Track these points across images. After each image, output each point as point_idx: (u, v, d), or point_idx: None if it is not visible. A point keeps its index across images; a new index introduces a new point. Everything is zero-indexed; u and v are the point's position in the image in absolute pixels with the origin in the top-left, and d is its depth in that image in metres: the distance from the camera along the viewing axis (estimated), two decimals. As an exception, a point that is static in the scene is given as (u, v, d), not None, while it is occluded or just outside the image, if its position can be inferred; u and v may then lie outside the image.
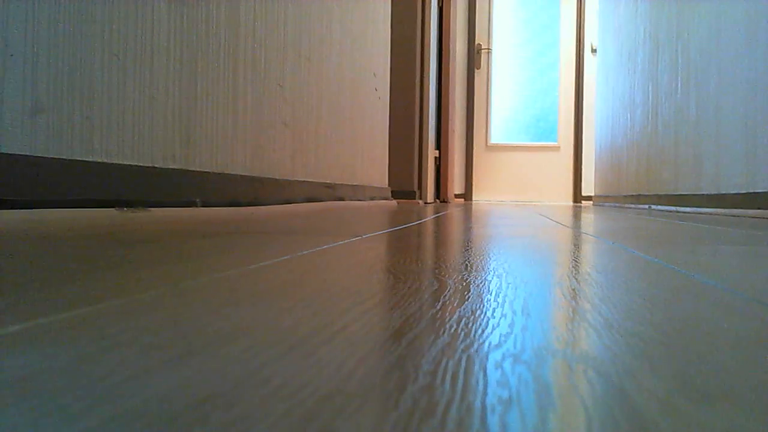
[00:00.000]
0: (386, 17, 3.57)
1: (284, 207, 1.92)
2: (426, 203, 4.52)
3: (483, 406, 0.23)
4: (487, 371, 0.27)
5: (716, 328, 0.37)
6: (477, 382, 0.26)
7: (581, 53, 6.69)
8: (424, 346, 0.32)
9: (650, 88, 4.28)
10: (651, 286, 0.54)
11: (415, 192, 4.25)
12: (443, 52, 5.40)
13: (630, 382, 0.26)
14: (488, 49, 6.80)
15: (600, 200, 5.82)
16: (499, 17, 6.82)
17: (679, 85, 3.67)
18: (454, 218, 2.01)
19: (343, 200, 2.65)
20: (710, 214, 3.02)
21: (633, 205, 4.60)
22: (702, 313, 0.42)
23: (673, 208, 3.65)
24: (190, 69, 1.45)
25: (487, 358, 0.30)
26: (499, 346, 0.32)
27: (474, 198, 6.85)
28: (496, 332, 0.36)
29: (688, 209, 3.40)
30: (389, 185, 4.03)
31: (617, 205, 5.09)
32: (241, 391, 0.24)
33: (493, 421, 0.22)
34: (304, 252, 0.78)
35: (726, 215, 2.82)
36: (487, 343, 0.33)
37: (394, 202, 3.56)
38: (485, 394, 0.24)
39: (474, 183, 6.84)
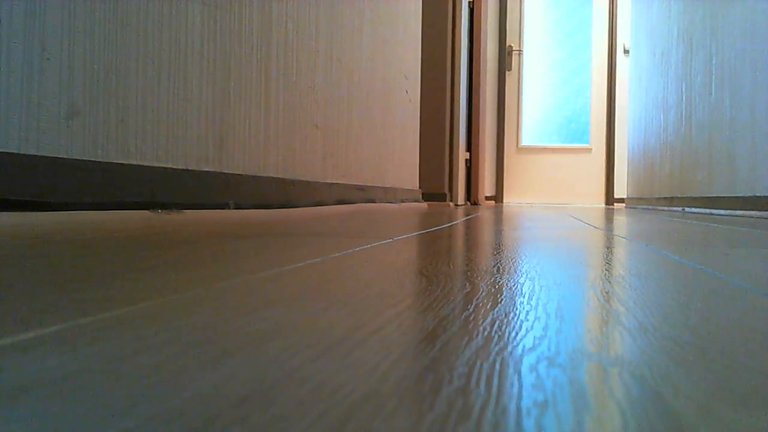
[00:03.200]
0: (417, 19, 3.57)
1: (315, 209, 1.93)
2: (457, 205, 4.51)
3: (518, 409, 0.23)
4: (522, 374, 0.27)
5: (753, 333, 0.37)
6: (512, 384, 0.26)
7: (613, 54, 6.64)
8: (458, 349, 0.32)
9: (684, 89, 4.23)
10: (686, 290, 0.54)
11: (445, 194, 4.24)
12: (474, 54, 5.38)
13: (666, 386, 0.26)
14: (519, 50, 6.78)
15: (632, 202, 5.77)
16: (530, 18, 6.79)
17: (713, 85, 3.63)
18: (485, 220, 2.01)
19: (374, 202, 2.65)
20: (745, 216, 2.98)
21: (666, 208, 4.55)
22: (738, 317, 0.42)
23: (707, 211, 3.61)
24: (223, 72, 1.46)
25: (521, 361, 0.30)
26: (533, 349, 0.32)
27: (505, 200, 6.82)
28: (530, 335, 0.35)
29: (722, 212, 3.35)
30: (420, 187, 4.03)
31: (650, 207, 5.04)
32: (278, 392, 0.24)
33: (529, 423, 0.22)
34: (336, 254, 0.78)
35: (761, 218, 2.78)
36: (521, 346, 0.33)
37: (424, 204, 3.56)
38: (520, 396, 0.24)
39: (505, 185, 6.81)
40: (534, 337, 0.35)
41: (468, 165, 5.37)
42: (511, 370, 0.28)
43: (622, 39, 6.61)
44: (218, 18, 1.44)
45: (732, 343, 0.34)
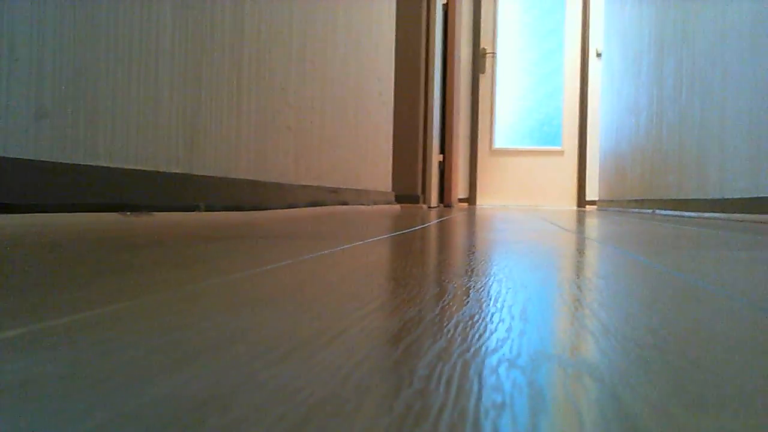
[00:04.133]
0: (391, 21, 3.57)
1: (287, 211, 1.93)
2: (430, 207, 4.52)
3: (476, 411, 0.23)
4: (482, 376, 0.28)
5: (714, 334, 0.38)
6: (471, 386, 0.26)
7: (586, 58, 6.69)
8: (420, 351, 0.32)
9: (655, 93, 4.28)
10: (651, 292, 0.54)
11: (418, 196, 4.25)
12: (448, 56, 5.40)
13: (624, 388, 0.26)
14: (493, 53, 6.81)
15: (604, 204, 5.82)
16: (504, 21, 6.82)
17: (684, 89, 3.67)
18: (456, 223, 2.01)
19: (347, 204, 2.65)
20: (714, 218, 3.02)
21: (637, 210, 4.59)
22: (700, 318, 0.42)
23: (677, 213, 3.65)
24: (194, 74, 1.46)
25: (482, 363, 0.30)
26: (495, 350, 0.33)
27: (478, 202, 6.85)
28: (493, 337, 0.36)
29: (692, 214, 3.39)
30: (393, 189, 4.03)
31: (621, 209, 5.08)
32: (237, 396, 0.24)
33: (486, 425, 0.22)
34: (306, 257, 0.78)
35: (730, 220, 2.82)
36: (483, 348, 0.33)
37: (397, 206, 3.56)
38: (479, 398, 0.25)
39: (478, 187, 6.84)
40: (497, 339, 0.35)
41: (441, 167, 5.39)
42: (471, 372, 0.28)
43: (595, 43, 6.66)
44: (190, 20, 1.43)
45: (691, 344, 0.35)
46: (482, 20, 6.80)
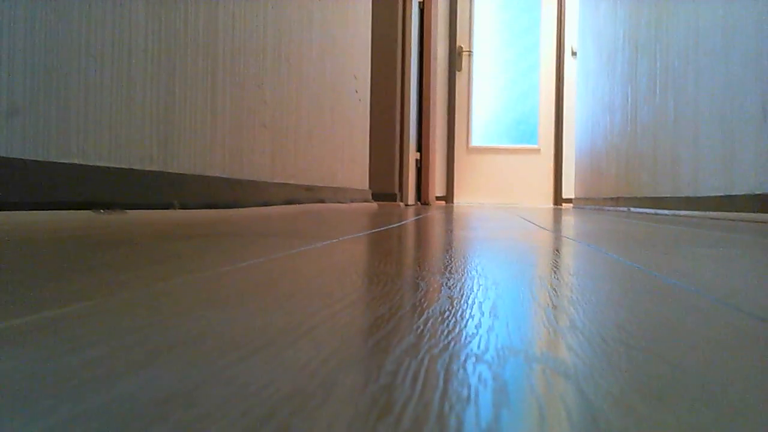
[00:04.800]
0: (367, 19, 3.57)
1: (263, 209, 1.92)
2: (407, 205, 4.53)
3: (441, 404, 0.23)
4: (449, 371, 0.28)
5: (679, 330, 0.38)
6: (437, 381, 0.26)
7: (561, 56, 6.73)
8: (389, 347, 0.32)
9: (629, 92, 4.31)
10: (620, 288, 0.55)
11: (395, 194, 4.26)
12: (424, 54, 5.41)
13: (588, 382, 0.27)
14: (469, 51, 6.83)
15: (580, 203, 5.86)
16: (480, 20, 6.84)
17: (658, 88, 3.70)
18: (433, 221, 2.02)
19: (324, 202, 2.65)
20: (688, 216, 3.05)
21: (612, 208, 4.63)
22: (667, 314, 0.43)
23: (651, 211, 3.68)
24: (168, 71, 1.45)
25: (449, 359, 0.30)
26: (463, 346, 0.33)
27: (455, 200, 6.87)
28: (462, 333, 0.36)
29: (666, 212, 3.42)
30: (370, 187, 4.03)
31: (597, 207, 5.12)
32: (203, 392, 0.24)
33: (450, 418, 0.22)
34: (280, 254, 0.78)
35: (704, 218, 2.85)
36: (451, 344, 0.33)
37: (374, 204, 3.57)
38: (445, 392, 0.25)
39: (455, 185, 6.86)
40: (465, 335, 0.35)
41: (418, 165, 5.39)
42: (438, 367, 0.28)
43: (570, 41, 6.70)
44: (163, 17, 1.42)
45: (657, 339, 0.35)
46: (458, 18, 6.82)
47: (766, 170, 2.39)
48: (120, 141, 1.28)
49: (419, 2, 5.23)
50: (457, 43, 6.81)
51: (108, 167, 1.23)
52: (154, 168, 1.39)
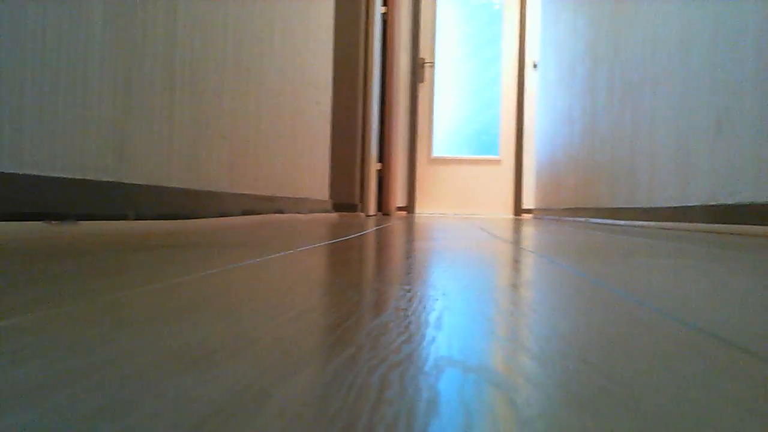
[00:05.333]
0: (329, 30, 3.58)
1: (221, 220, 1.91)
2: (368, 216, 4.54)
3: (371, 414, 0.24)
4: (385, 381, 0.28)
5: (615, 339, 0.39)
6: (371, 392, 0.27)
7: (523, 68, 6.80)
8: (328, 359, 0.32)
9: (588, 104, 4.37)
10: (565, 298, 0.56)
11: (356, 205, 4.26)
12: (387, 66, 5.43)
13: (518, 392, 0.27)
14: (432, 62, 6.87)
15: (540, 213, 5.91)
16: (442, 31, 6.89)
17: (616, 100, 3.76)
18: (392, 232, 2.02)
19: (283, 213, 2.64)
20: (644, 227, 3.10)
21: (571, 218, 4.68)
22: (608, 325, 0.44)
23: (609, 221, 3.73)
24: (124, 81, 1.44)
25: (387, 369, 0.30)
26: (402, 357, 0.33)
27: (417, 211, 6.89)
28: (403, 344, 0.36)
29: (623, 222, 3.47)
30: (331, 198, 4.03)
31: (556, 218, 5.17)
32: (133, 405, 0.24)
33: (380, 428, 0.22)
34: (232, 266, 0.78)
35: (659, 228, 2.89)
36: (391, 355, 0.34)
37: (335, 214, 3.57)
38: (377, 403, 0.25)
39: (417, 196, 6.88)
40: (406, 346, 0.36)
41: (380, 175, 5.40)
42: (374, 378, 0.29)
43: (532, 54, 6.78)
44: (120, 26, 1.41)
45: (593, 349, 0.36)
46: (421, 30, 6.86)
47: (719, 182, 2.44)
48: (74, 151, 1.27)
49: (382, 13, 5.25)
50: (420, 55, 6.85)
51: (62, 178, 1.22)
52: (109, 178, 1.38)
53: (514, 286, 0.64)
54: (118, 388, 0.26)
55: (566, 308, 0.51)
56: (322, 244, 1.26)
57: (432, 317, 0.46)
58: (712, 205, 2.47)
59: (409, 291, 0.59)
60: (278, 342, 0.36)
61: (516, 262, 0.94)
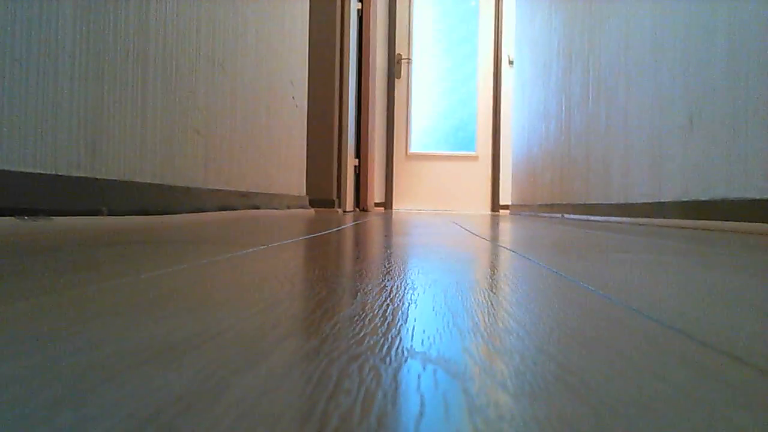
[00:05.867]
0: (304, 25, 3.57)
1: (195, 215, 1.91)
2: (345, 212, 4.54)
3: (327, 403, 0.24)
4: (345, 371, 0.29)
5: (576, 331, 0.40)
6: (329, 381, 0.27)
7: (499, 65, 6.82)
8: (292, 351, 0.33)
9: (563, 100, 4.40)
10: (532, 291, 0.57)
11: (333, 201, 4.26)
12: (363, 62, 5.43)
13: (473, 381, 0.28)
14: (408, 58, 6.87)
15: (516, 209, 5.94)
16: (419, 28, 6.90)
17: (591, 97, 3.79)
18: (367, 227, 2.03)
19: (259, 209, 2.64)
20: (619, 222, 3.12)
21: (547, 214, 4.71)
22: (568, 317, 0.45)
23: (584, 217, 3.76)
24: (96, 76, 1.43)
25: (348, 360, 0.31)
26: (363, 348, 0.34)
27: (394, 207, 6.90)
28: (366, 336, 0.37)
29: (598, 218, 3.50)
30: (308, 194, 4.03)
31: (532, 213, 5.20)
32: (93, 395, 0.24)
33: (334, 415, 0.23)
34: (204, 261, 0.78)
35: (633, 224, 2.92)
36: (353, 347, 0.34)
37: (311, 210, 3.56)
38: (335, 392, 0.26)
39: (394, 192, 6.89)
40: (368, 339, 0.36)
41: (357, 172, 5.41)
42: (334, 369, 0.29)
43: (508, 50, 6.80)
44: (91, 20, 1.41)
45: (552, 340, 0.37)
46: (397, 26, 6.86)
47: (692, 178, 2.47)
48: (46, 146, 1.26)
49: (358, 9, 5.25)
50: (396, 51, 6.86)
51: (33, 173, 1.21)
52: (82, 174, 1.37)
53: (481, 280, 0.65)
54: (78, 380, 0.26)
55: (528, 301, 0.51)
56: (296, 239, 1.27)
57: (398, 311, 0.46)
58: (685, 201, 2.50)
59: (376, 285, 0.60)
60: (242, 335, 0.37)
61: (486, 258, 0.95)
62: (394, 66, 6.82)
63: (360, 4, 5.36)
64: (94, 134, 1.42)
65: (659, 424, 0.23)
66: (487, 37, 6.86)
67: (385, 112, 6.81)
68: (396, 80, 6.85)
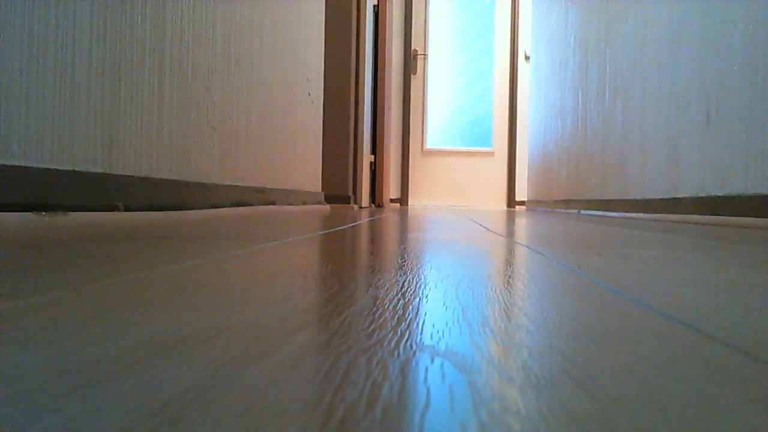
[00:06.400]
0: (320, 22, 3.58)
1: (211, 211, 1.92)
2: (360, 208, 4.54)
3: (334, 395, 0.24)
4: (354, 364, 0.29)
5: (586, 325, 0.40)
6: (337, 374, 0.27)
7: (515, 60, 6.80)
8: (300, 344, 0.33)
9: (580, 96, 4.38)
10: (542, 287, 0.57)
11: (349, 197, 4.27)
12: (379, 57, 5.43)
13: (479, 374, 0.28)
14: (424, 54, 6.87)
15: (533, 205, 5.92)
16: (435, 23, 6.89)
17: (607, 93, 3.77)
18: (382, 223, 2.03)
19: (275, 205, 2.65)
20: (635, 218, 3.11)
21: (563, 210, 4.69)
22: (579, 311, 0.45)
23: (600, 213, 3.74)
24: (113, 73, 1.44)
25: (357, 354, 0.31)
26: (372, 342, 0.34)
27: (410, 202, 6.90)
28: (375, 331, 0.37)
29: (614, 214, 3.49)
30: (323, 190, 4.04)
31: (549, 209, 5.19)
32: (103, 387, 0.25)
33: (340, 406, 0.23)
34: (219, 256, 0.79)
35: (649, 220, 2.91)
36: (362, 340, 0.34)
37: (327, 206, 3.57)
38: (342, 384, 0.26)
39: (410, 187, 6.89)
40: (377, 333, 0.37)
41: (373, 168, 5.41)
42: (342, 362, 0.30)
43: (524, 46, 6.78)
44: (108, 18, 1.42)
45: (559, 334, 0.37)
46: (413, 22, 6.85)
47: (709, 173, 2.45)
48: (63, 142, 1.27)
49: (374, 5, 5.25)
50: (412, 47, 6.85)
51: (50, 169, 1.22)
52: (98, 170, 1.38)
53: (492, 276, 0.65)
54: (89, 371, 0.27)
55: (540, 296, 0.51)
56: (310, 235, 1.27)
57: (409, 305, 0.46)
58: (702, 197, 2.48)
59: (388, 281, 0.60)
60: (252, 328, 0.37)
61: (498, 253, 0.95)
62: (410, 62, 6.81)
63: (376, 0, 5.36)
64: (111, 130, 1.43)
65: (665, 419, 0.23)
66: (503, 33, 6.84)
67: (401, 108, 6.81)
68: (412, 76, 6.84)
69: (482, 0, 6.88)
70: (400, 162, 6.84)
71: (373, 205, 5.51)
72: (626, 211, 3.33)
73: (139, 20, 1.55)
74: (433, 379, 0.27)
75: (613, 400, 0.25)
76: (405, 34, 6.83)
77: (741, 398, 0.26)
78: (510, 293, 0.53)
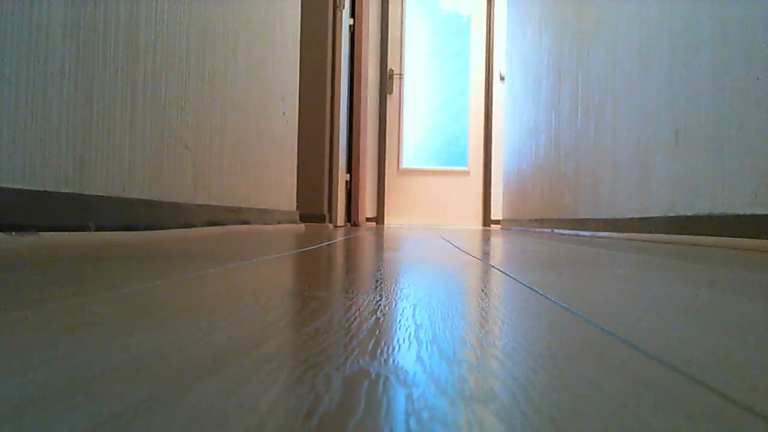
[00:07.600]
0: (295, 41, 3.61)
1: (184, 231, 1.93)
2: (336, 227, 4.56)
3: (274, 405, 0.26)
4: (300, 379, 0.31)
5: (533, 343, 0.42)
6: (282, 387, 0.29)
7: (490, 80, 6.87)
8: (251, 360, 0.35)
9: (553, 116, 4.44)
10: (497, 304, 0.59)
11: (324, 215, 4.28)
12: (355, 77, 5.47)
13: (417, 386, 0.30)
14: (400, 74, 6.92)
15: (507, 224, 5.97)
16: (411, 43, 6.95)
17: (579, 113, 3.82)
18: (358, 242, 2.05)
19: (249, 224, 2.66)
20: (606, 237, 3.15)
21: (537, 229, 4.74)
22: (530, 330, 0.47)
23: (573, 232, 3.79)
24: (85, 92, 1.45)
25: (304, 369, 0.33)
26: (324, 360, 0.36)
27: (386, 221, 6.92)
28: (327, 347, 0.39)
29: (587, 233, 3.53)
30: (298, 209, 4.05)
31: (523, 228, 5.23)
32: (59, 399, 0.26)
33: (280, 415, 0.25)
34: (188, 275, 0.80)
35: (621, 239, 2.95)
36: (311, 357, 0.36)
37: (302, 225, 3.58)
38: (285, 396, 0.28)
39: (386, 206, 6.92)
40: (330, 350, 0.38)
41: (348, 187, 5.43)
42: (290, 376, 0.31)
43: (499, 66, 6.85)
44: (81, 38, 1.43)
45: (508, 351, 0.39)
46: (389, 42, 6.91)
47: (678, 193, 2.50)
48: (34, 162, 1.28)
49: (350, 25, 5.29)
50: (389, 66, 6.90)
51: (21, 189, 1.23)
52: (70, 190, 1.39)
53: (453, 296, 0.67)
54: (46, 386, 0.28)
55: (495, 316, 0.53)
56: (282, 255, 1.28)
57: (363, 324, 0.48)
58: (672, 217, 2.52)
59: (350, 299, 0.62)
60: (211, 346, 0.38)
61: (463, 273, 0.97)
62: (386, 81, 6.86)
63: (352, 19, 5.40)
64: (83, 150, 1.44)
65: (581, 426, 0.25)
66: (478, 53, 6.92)
67: (377, 128, 6.85)
68: (388, 95, 6.89)
69: (458, 20, 6.95)
70: (376, 181, 6.87)
71: (348, 224, 5.52)
72: (598, 230, 3.37)
73: (113, 39, 1.56)
74: (373, 393, 0.29)
75: (540, 412, 0.27)
76: (381, 54, 6.88)
77: (657, 409, 0.28)
78: (466, 313, 0.55)
